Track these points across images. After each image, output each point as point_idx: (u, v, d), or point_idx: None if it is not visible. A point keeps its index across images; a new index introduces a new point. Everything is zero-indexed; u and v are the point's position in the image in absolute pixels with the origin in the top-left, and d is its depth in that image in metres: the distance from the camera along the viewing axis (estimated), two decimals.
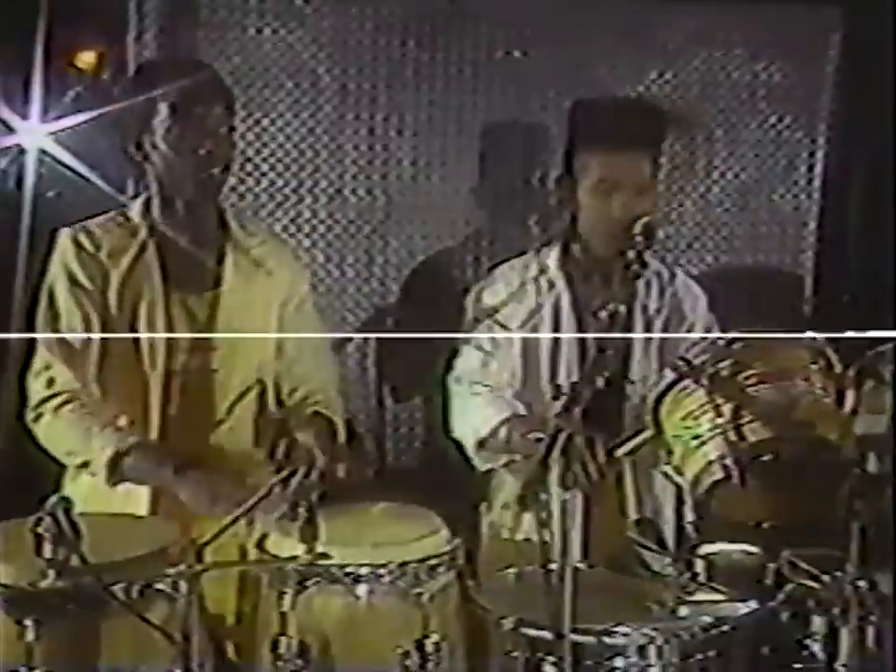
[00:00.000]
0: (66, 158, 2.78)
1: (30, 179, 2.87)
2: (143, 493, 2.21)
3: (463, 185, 3.11)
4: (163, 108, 2.18)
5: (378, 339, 3.09)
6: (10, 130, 2.79)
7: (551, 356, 2.56)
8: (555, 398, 1.61)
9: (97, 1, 2.87)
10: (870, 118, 3.19)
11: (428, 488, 2.71)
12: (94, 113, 2.59)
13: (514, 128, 3.11)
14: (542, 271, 2.61)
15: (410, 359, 3.00)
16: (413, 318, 3.05)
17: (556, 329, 2.58)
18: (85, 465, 2.19)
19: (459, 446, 2.57)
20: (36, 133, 2.80)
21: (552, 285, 2.61)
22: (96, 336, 2.24)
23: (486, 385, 2.55)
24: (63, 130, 2.77)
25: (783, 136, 3.28)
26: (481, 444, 2.49)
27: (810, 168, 3.30)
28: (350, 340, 3.09)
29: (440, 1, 3.06)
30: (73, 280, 2.23)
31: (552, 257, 2.63)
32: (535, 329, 2.57)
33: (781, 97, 3.24)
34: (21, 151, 2.85)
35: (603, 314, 1.75)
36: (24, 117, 2.77)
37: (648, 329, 2.56)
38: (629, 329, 2.49)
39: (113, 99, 2.39)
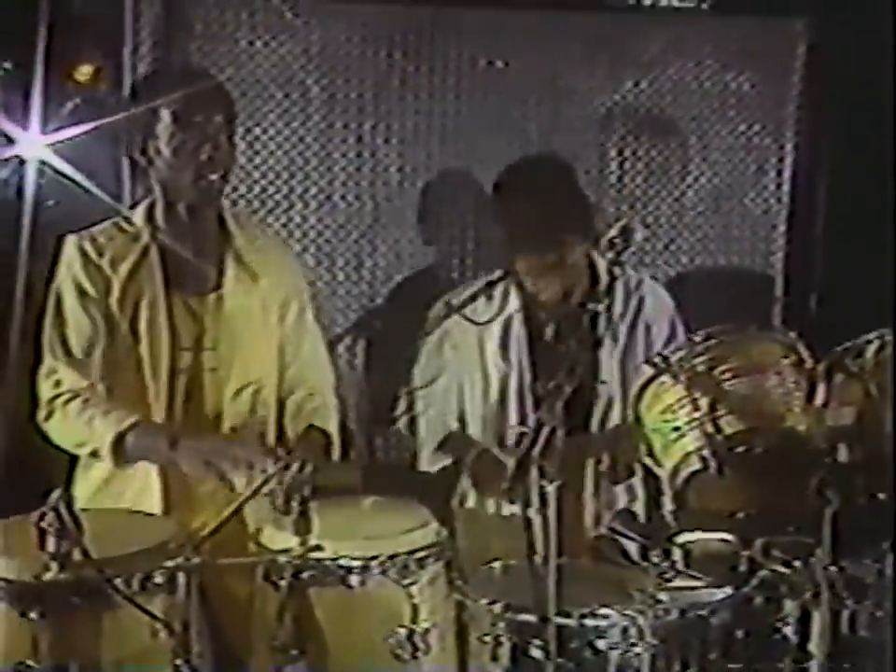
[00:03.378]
0: (65, 168, 2.77)
1: (30, 189, 2.86)
2: (154, 486, 2.21)
3: (448, 190, 3.11)
4: (166, 115, 2.18)
5: (368, 338, 3.09)
6: (10, 141, 2.78)
7: (519, 355, 2.57)
8: (536, 395, 1.61)
9: (93, 15, 2.85)
10: (834, 124, 3.21)
11: (417, 483, 2.71)
12: (93, 124, 2.59)
13: (499, 136, 3.11)
14: (509, 272, 2.62)
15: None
16: (400, 320, 3.05)
17: (517, 340, 2.59)
18: (94, 454, 2.19)
19: None
20: (36, 144, 2.79)
21: (519, 286, 2.62)
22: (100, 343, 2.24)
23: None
24: (62, 141, 2.76)
25: (753, 143, 3.30)
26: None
27: (779, 173, 3.32)
28: (341, 339, 3.09)
29: (424, 14, 3.06)
30: (79, 289, 2.24)
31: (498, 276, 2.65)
32: (503, 327, 2.58)
33: (750, 105, 3.27)
34: (21, 162, 2.84)
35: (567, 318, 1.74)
36: (24, 128, 2.76)
37: (612, 333, 2.56)
38: (593, 330, 2.49)
39: (115, 108, 2.39)
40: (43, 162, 2.82)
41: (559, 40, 3.12)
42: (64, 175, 2.76)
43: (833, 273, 3.29)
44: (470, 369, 2.61)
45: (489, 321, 2.53)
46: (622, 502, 2.51)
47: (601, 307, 1.84)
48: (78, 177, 2.73)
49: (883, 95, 3.00)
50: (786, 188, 3.33)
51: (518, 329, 2.58)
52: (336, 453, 2.31)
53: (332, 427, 2.33)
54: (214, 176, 2.21)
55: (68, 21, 2.75)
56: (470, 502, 2.65)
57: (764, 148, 3.30)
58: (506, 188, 2.59)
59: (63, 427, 2.21)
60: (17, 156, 2.83)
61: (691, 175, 3.27)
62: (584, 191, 2.69)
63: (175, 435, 2.14)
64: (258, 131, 2.99)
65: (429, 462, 2.66)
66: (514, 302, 2.59)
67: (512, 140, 3.10)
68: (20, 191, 2.85)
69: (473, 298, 2.56)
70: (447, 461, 2.64)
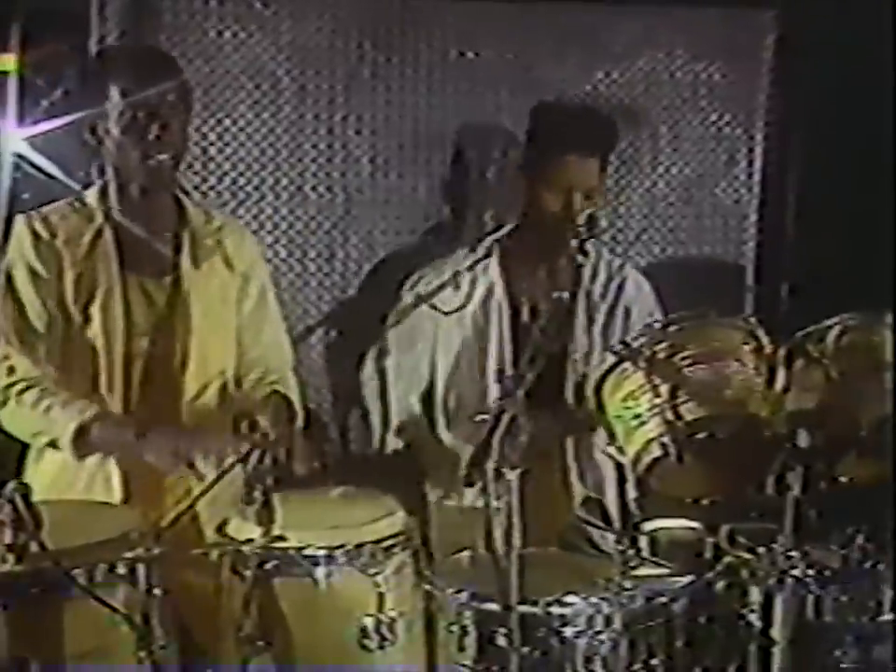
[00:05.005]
0: (41, 161, 2.73)
1: (5, 183, 2.82)
2: (114, 476, 2.16)
3: (419, 182, 3.09)
4: (115, 92, 2.12)
5: (340, 330, 3.06)
6: None
7: (489, 341, 2.56)
8: (499, 381, 1.59)
9: (59, 4, 2.81)
10: (804, 114, 3.20)
11: (388, 473, 2.69)
12: (69, 118, 2.54)
13: (470, 125, 3.09)
14: (478, 260, 2.61)
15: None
16: (372, 310, 3.03)
17: (490, 315, 2.58)
18: (52, 444, 2.13)
19: None
20: (12, 138, 2.75)
21: (488, 281, 2.61)
22: (55, 326, 2.18)
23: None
24: (38, 135, 2.72)
25: (723, 133, 3.29)
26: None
27: (750, 163, 3.31)
28: (313, 331, 3.06)
29: (395, 5, 3.03)
30: (30, 269, 2.16)
31: (488, 247, 2.63)
32: (472, 315, 2.58)
33: (721, 96, 3.25)
34: None
35: (546, 301, 1.73)
36: None
37: (590, 314, 2.56)
38: (572, 313, 2.49)
39: (76, 94, 2.33)
40: (19, 156, 2.78)
41: (530, 31, 3.10)
42: (40, 169, 2.73)
43: (804, 261, 3.28)
44: (445, 350, 2.60)
45: (458, 309, 2.51)
46: (610, 483, 2.50)
47: (565, 295, 1.82)
48: (54, 171, 2.70)
49: (853, 84, 3.00)
50: (757, 177, 3.32)
51: (497, 307, 2.57)
52: (300, 420, 2.27)
53: (294, 397, 2.29)
54: (163, 157, 2.15)
55: (32, 9, 2.71)
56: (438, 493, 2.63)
57: (735, 138, 3.29)
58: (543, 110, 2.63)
59: (18, 417, 2.14)
60: None
61: (662, 166, 3.26)
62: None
63: (142, 426, 2.09)
64: (228, 122, 2.94)
65: (390, 441, 2.66)
66: (492, 282, 2.58)
67: (485, 131, 3.08)
68: None
69: (441, 287, 2.55)
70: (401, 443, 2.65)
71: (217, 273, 2.28)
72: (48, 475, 2.18)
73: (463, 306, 2.57)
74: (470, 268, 2.62)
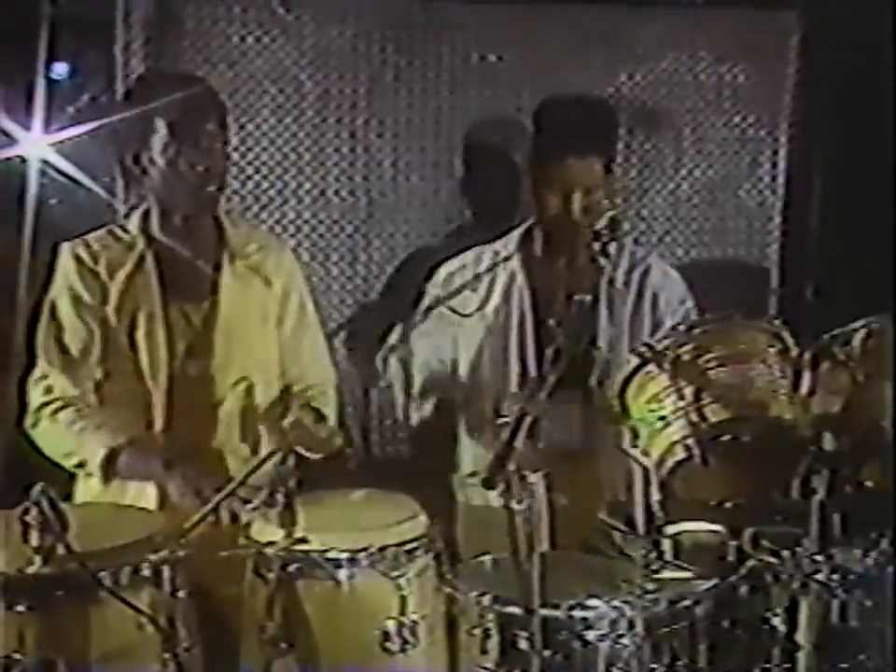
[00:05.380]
0: (67, 167, 2.76)
1: (32, 188, 2.85)
2: (151, 495, 2.18)
3: (442, 184, 3.09)
4: (162, 126, 2.15)
5: (363, 333, 3.07)
6: (13, 140, 2.77)
7: (510, 341, 2.55)
8: (521, 384, 1.59)
9: (84, 11, 2.83)
10: (828, 115, 3.18)
11: (412, 476, 2.69)
12: (95, 124, 2.56)
13: (494, 127, 3.09)
14: (499, 262, 2.61)
15: None
16: (395, 313, 3.03)
17: (511, 313, 2.58)
18: (81, 465, 2.17)
19: None
20: (38, 144, 2.78)
21: (509, 274, 2.61)
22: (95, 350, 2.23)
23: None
24: (64, 141, 2.74)
25: (747, 135, 3.27)
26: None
27: (774, 165, 3.29)
28: (336, 334, 3.07)
29: (417, 8, 3.03)
30: (74, 296, 2.22)
31: (509, 248, 2.63)
32: (493, 313, 2.58)
33: (745, 97, 3.23)
34: (23, 161, 2.83)
35: (567, 300, 1.72)
36: (26, 127, 2.75)
37: (612, 303, 2.55)
38: (594, 307, 2.48)
39: (110, 112, 2.36)
40: (45, 162, 2.81)
41: (553, 33, 3.09)
42: (66, 175, 2.76)
43: (828, 263, 3.26)
44: (466, 349, 2.61)
45: (477, 310, 2.51)
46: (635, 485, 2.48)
47: (587, 298, 1.82)
48: (80, 177, 2.72)
49: (877, 85, 2.97)
50: (781, 179, 3.30)
51: (519, 297, 2.57)
52: (330, 428, 2.29)
53: (329, 413, 2.31)
54: (211, 188, 2.20)
55: (58, 17, 2.74)
56: (464, 497, 2.62)
57: (759, 140, 3.27)
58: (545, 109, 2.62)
59: (51, 436, 2.19)
60: (19, 156, 2.82)
61: (685, 168, 3.24)
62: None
63: (170, 457, 2.11)
64: (251, 127, 2.96)
65: (416, 407, 2.65)
66: (509, 286, 2.59)
67: (507, 134, 3.07)
68: (22, 191, 2.84)
69: (460, 289, 2.55)
70: (431, 403, 2.62)
71: (257, 290, 2.31)
72: (96, 488, 2.20)
73: (481, 307, 2.56)
74: (490, 269, 2.62)
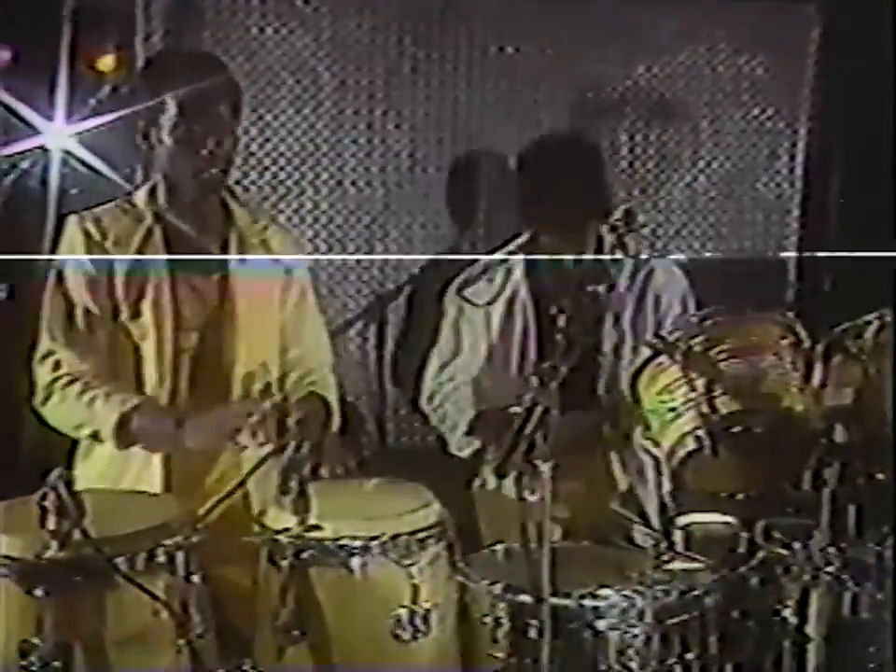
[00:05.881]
0: (89, 158, 2.78)
1: (54, 178, 2.87)
2: (156, 468, 2.19)
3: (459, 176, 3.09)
4: (172, 105, 2.15)
5: (378, 324, 3.08)
6: (35, 131, 2.79)
7: (521, 333, 2.57)
8: (533, 373, 1.60)
9: (105, 3, 2.85)
10: (848, 108, 3.16)
11: (426, 466, 2.70)
12: (116, 114, 2.58)
13: (510, 122, 3.09)
14: (511, 254, 2.62)
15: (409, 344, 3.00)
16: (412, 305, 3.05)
17: (522, 308, 2.59)
18: (95, 435, 2.17)
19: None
20: (61, 134, 2.80)
21: (514, 268, 2.63)
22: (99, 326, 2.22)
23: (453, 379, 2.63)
24: (86, 131, 2.77)
25: (766, 127, 3.26)
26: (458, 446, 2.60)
27: (792, 157, 3.28)
28: (352, 324, 3.08)
29: (434, 0, 3.04)
30: (82, 269, 2.21)
31: (518, 242, 2.64)
32: (503, 308, 2.59)
33: (763, 90, 3.23)
34: (46, 151, 2.85)
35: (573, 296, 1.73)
36: (49, 118, 2.77)
37: (616, 308, 2.56)
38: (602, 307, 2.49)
39: (124, 92, 2.36)
40: (68, 152, 2.83)
41: (570, 25, 3.09)
42: (88, 165, 2.78)
43: (846, 258, 3.24)
44: (478, 343, 2.62)
45: (489, 302, 2.52)
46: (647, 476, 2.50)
47: (601, 288, 1.82)
48: (102, 167, 2.74)
49: None
50: (799, 172, 3.29)
51: (522, 306, 2.58)
52: (336, 421, 2.29)
53: (331, 398, 2.31)
54: (214, 171, 2.19)
55: (78, 9, 2.76)
56: (490, 485, 2.63)
57: (777, 133, 3.26)
58: (530, 162, 2.62)
59: (62, 410, 2.19)
60: (42, 146, 2.84)
61: (703, 160, 3.24)
62: (606, 174, 2.71)
63: (181, 415, 2.12)
64: (269, 118, 2.97)
65: (459, 446, 2.63)
66: (518, 281, 2.59)
67: (524, 126, 3.07)
68: (45, 181, 2.86)
69: (475, 280, 2.56)
70: (477, 444, 2.60)
71: (263, 272, 2.30)
72: (96, 470, 2.22)
73: (494, 299, 2.58)
74: (503, 261, 2.63)
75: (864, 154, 3.12)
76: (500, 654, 1.91)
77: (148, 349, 2.21)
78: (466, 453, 2.62)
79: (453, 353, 2.70)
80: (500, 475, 1.61)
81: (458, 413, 2.63)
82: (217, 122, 2.17)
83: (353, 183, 3.05)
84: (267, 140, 2.98)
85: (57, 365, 2.19)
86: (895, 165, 3.00)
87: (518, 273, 2.64)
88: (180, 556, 1.78)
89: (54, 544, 1.66)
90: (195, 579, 1.83)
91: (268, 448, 1.95)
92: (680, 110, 3.20)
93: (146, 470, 2.19)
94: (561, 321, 1.59)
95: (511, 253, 2.67)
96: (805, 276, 3.34)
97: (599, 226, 2.44)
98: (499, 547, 2.10)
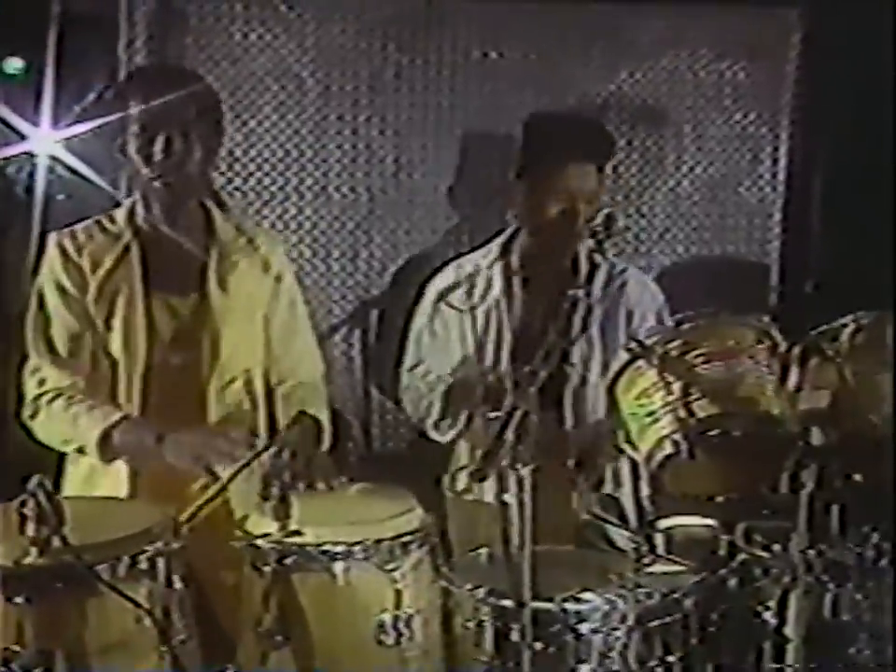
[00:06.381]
0: (75, 163, 2.78)
1: (40, 184, 2.87)
2: (122, 472, 2.19)
3: (443, 181, 3.10)
4: (134, 126, 2.15)
5: (363, 329, 3.08)
6: (22, 137, 2.80)
7: (497, 339, 2.57)
8: (512, 378, 1.60)
9: (88, 9, 2.85)
10: (829, 113, 3.18)
11: (412, 471, 2.70)
12: (102, 120, 2.58)
13: (494, 125, 3.10)
14: (494, 260, 2.61)
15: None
16: (396, 311, 3.05)
17: (502, 316, 2.59)
18: (81, 450, 2.18)
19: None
20: (47, 140, 2.80)
21: (503, 274, 2.62)
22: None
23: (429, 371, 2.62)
24: (72, 137, 2.76)
25: (748, 132, 3.28)
26: (436, 425, 2.58)
27: (774, 162, 3.30)
28: (337, 330, 3.08)
29: (418, 5, 3.05)
30: (59, 286, 2.22)
31: (505, 248, 2.64)
32: (485, 314, 2.59)
33: (745, 94, 3.24)
34: (32, 157, 2.86)
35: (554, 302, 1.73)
36: (35, 124, 2.77)
37: (588, 314, 2.55)
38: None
39: (108, 99, 2.36)
40: (54, 158, 2.83)
41: (554, 30, 3.11)
42: (74, 171, 2.78)
43: (828, 260, 3.26)
44: (455, 349, 2.62)
45: (472, 308, 2.52)
46: (626, 481, 2.48)
47: (580, 293, 1.82)
48: (88, 173, 2.74)
49: (878, 82, 2.97)
50: (781, 176, 3.31)
51: (501, 311, 2.58)
52: (327, 439, 2.29)
53: (323, 415, 2.31)
54: (169, 179, 2.17)
55: (65, 16, 2.76)
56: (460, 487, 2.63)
57: (760, 137, 3.28)
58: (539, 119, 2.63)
59: (49, 426, 2.21)
60: (28, 152, 2.84)
61: (686, 165, 3.25)
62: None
63: (162, 430, 2.12)
64: (253, 123, 2.98)
65: (435, 423, 2.63)
66: (498, 286, 2.58)
67: (508, 131, 3.08)
68: (30, 187, 2.87)
69: (458, 284, 2.56)
70: (458, 424, 2.59)
71: (246, 285, 2.30)
72: (81, 476, 2.24)
73: (476, 305, 2.57)
74: (488, 268, 2.63)
75: (846, 158, 3.13)
76: (484, 658, 1.91)
77: (120, 365, 2.21)
78: (445, 436, 2.62)
79: (426, 357, 2.69)
80: (479, 480, 1.61)
81: (431, 391, 2.63)
82: (169, 128, 2.15)
83: (337, 189, 3.06)
84: (251, 146, 2.99)
85: (42, 382, 2.21)
86: (877, 168, 3.01)
87: (499, 277, 2.63)
88: (162, 563, 1.78)
89: (34, 551, 1.66)
90: (177, 585, 1.82)
91: (249, 453, 1.95)
92: (664, 115, 3.21)
93: (117, 479, 2.20)
94: (541, 326, 1.59)
95: (499, 249, 2.66)
96: (787, 280, 3.35)
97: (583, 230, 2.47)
98: (483, 551, 2.10)
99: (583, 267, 1.92)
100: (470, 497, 2.48)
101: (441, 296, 2.61)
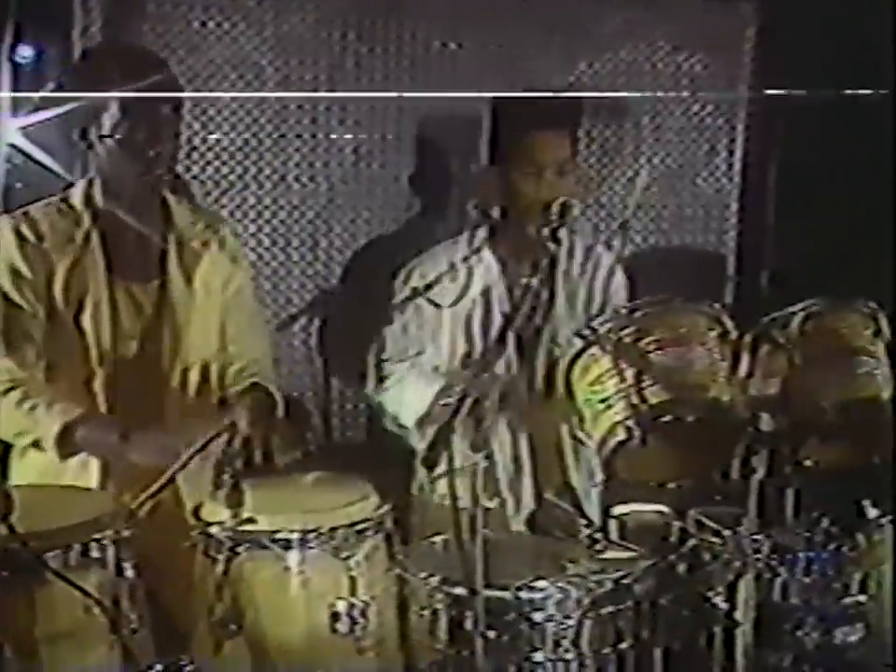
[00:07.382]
0: (35, 152, 2.72)
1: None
2: (94, 467, 2.14)
3: (402, 171, 3.07)
4: (114, 105, 2.09)
5: (322, 319, 3.05)
6: None
7: (482, 332, 2.52)
8: (465, 365, 1.58)
9: None
10: (784, 105, 3.18)
11: (372, 460, 2.68)
12: (63, 109, 2.52)
13: (453, 115, 3.08)
14: (473, 252, 2.58)
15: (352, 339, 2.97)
16: (355, 299, 3.02)
17: (488, 306, 2.54)
18: (36, 444, 2.12)
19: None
20: (6, 128, 2.74)
21: (483, 265, 2.57)
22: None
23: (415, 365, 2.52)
24: (32, 125, 2.70)
25: (705, 123, 3.29)
26: (420, 423, 2.45)
27: (730, 153, 3.31)
28: (296, 319, 3.05)
29: None
30: (14, 271, 2.14)
31: (481, 238, 2.60)
32: (467, 308, 2.54)
33: (702, 86, 3.24)
34: None
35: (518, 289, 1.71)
36: None
37: (571, 292, 2.53)
38: (552, 293, 2.45)
39: (68, 87, 2.30)
40: (13, 146, 2.76)
41: (513, 22, 3.08)
42: (34, 160, 2.72)
43: (784, 250, 3.27)
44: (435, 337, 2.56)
45: (453, 303, 2.47)
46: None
47: (534, 282, 1.80)
48: (48, 161, 2.68)
49: (833, 74, 2.98)
50: (737, 167, 3.32)
51: (496, 302, 2.53)
52: (280, 411, 2.25)
53: (273, 390, 2.27)
54: (159, 171, 2.14)
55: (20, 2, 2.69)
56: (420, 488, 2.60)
57: (716, 129, 3.29)
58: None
59: (2, 417, 2.13)
60: None
61: (644, 156, 3.25)
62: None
63: (126, 428, 2.08)
64: (212, 112, 2.92)
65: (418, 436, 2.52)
66: (479, 282, 2.55)
67: (467, 122, 3.06)
68: None
69: (437, 280, 2.50)
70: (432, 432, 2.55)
71: (202, 271, 2.25)
72: (35, 469, 2.17)
73: (461, 298, 2.52)
74: (465, 259, 2.56)
75: (801, 149, 3.14)
76: (439, 646, 1.89)
77: (90, 357, 2.16)
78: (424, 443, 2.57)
79: (405, 352, 2.64)
80: (428, 466, 1.59)
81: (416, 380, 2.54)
82: (160, 123, 2.12)
83: (296, 178, 3.02)
84: (210, 134, 2.93)
85: None
86: (831, 160, 3.03)
87: (488, 263, 2.57)
88: (111, 550, 1.74)
89: None
90: (129, 573, 1.79)
91: (200, 441, 1.91)
92: (622, 106, 3.21)
93: (84, 468, 2.14)
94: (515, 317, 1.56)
95: (480, 239, 2.61)
96: (743, 270, 3.36)
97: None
98: (438, 539, 2.08)
99: (541, 256, 1.89)
100: (435, 495, 2.45)
101: (419, 292, 2.53)
